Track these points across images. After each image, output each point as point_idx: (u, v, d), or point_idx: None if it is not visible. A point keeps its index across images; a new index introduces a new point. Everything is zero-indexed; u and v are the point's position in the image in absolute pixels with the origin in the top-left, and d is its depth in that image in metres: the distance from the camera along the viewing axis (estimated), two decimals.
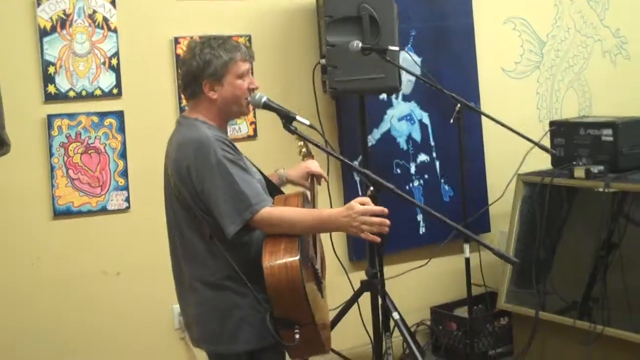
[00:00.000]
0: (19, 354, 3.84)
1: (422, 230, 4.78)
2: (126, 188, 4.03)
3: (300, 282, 2.60)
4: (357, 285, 4.19)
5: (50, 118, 3.86)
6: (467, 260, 4.00)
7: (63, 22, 3.88)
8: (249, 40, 4.22)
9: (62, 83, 3.89)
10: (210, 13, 4.19)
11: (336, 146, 4.47)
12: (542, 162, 4.49)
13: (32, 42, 3.83)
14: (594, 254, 4.27)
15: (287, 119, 2.79)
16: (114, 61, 3.99)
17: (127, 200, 4.03)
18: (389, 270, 4.36)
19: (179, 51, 4.08)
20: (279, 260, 2.62)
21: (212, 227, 2.71)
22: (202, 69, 2.77)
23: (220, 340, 2.77)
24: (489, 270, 4.58)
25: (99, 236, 4.00)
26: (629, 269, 4.08)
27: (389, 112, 4.69)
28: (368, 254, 4.19)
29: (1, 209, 3.83)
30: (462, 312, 4.69)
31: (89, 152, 3.95)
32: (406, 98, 4.74)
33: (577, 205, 4.56)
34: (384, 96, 4.63)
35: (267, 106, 2.82)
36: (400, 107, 4.72)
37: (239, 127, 4.25)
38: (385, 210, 2.67)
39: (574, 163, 4.32)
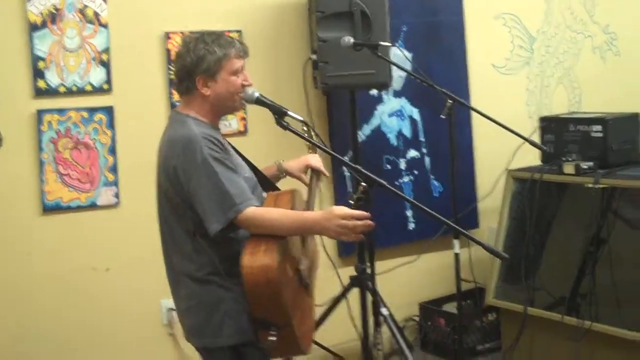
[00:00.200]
0: (6, 349, 3.83)
1: (411, 226, 4.79)
2: (116, 184, 4.02)
3: (278, 285, 2.60)
4: (346, 281, 4.20)
5: (40, 113, 3.85)
6: (457, 256, 4.01)
7: (53, 17, 3.86)
8: (240, 36, 4.22)
9: (52, 78, 3.87)
10: (201, 8, 4.18)
11: (327, 141, 4.47)
12: (531, 158, 4.51)
13: (22, 37, 3.81)
14: (582, 250, 4.29)
15: (280, 115, 2.80)
16: (105, 56, 3.97)
17: (117, 196, 4.02)
18: (377, 266, 4.36)
19: (170, 46, 4.07)
20: (258, 262, 2.61)
21: (196, 224, 2.72)
22: (196, 65, 2.77)
23: (205, 334, 2.79)
24: (479, 266, 4.59)
25: (88, 232, 3.99)
26: (618, 264, 4.09)
27: (380, 107, 4.69)
28: (358, 249, 4.20)
29: None
30: (451, 307, 4.71)
31: (79, 147, 3.93)
32: (397, 94, 4.74)
33: (566, 201, 4.58)
34: (374, 92, 4.63)
35: (259, 102, 2.83)
36: (390, 103, 4.73)
37: (230, 123, 4.25)
38: (367, 214, 2.68)
39: (564, 159, 4.33)
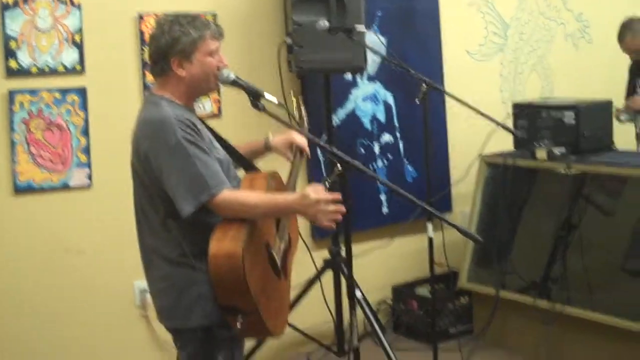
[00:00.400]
0: None
1: (385, 209, 4.81)
2: (88, 165, 3.99)
3: (242, 271, 2.59)
4: (319, 264, 4.21)
5: (11, 94, 3.80)
6: (430, 240, 4.03)
7: None
8: (215, 18, 4.19)
9: (24, 58, 3.83)
10: None
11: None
12: (505, 144, 4.53)
13: None
14: (554, 235, 4.34)
15: (255, 97, 2.79)
16: (77, 37, 3.94)
17: (89, 177, 4.00)
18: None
19: (144, 28, 4.04)
20: (223, 249, 2.61)
21: (169, 206, 2.71)
22: (171, 46, 2.75)
23: (176, 316, 2.78)
24: (452, 250, 4.60)
25: (61, 213, 3.96)
26: (588, 249, 4.14)
27: (354, 92, 4.69)
28: (333, 232, 4.20)
29: None
30: (424, 291, 4.74)
31: (51, 128, 3.90)
32: (371, 78, 4.75)
33: (538, 187, 4.62)
34: (349, 76, 4.63)
35: (235, 83, 2.81)
36: (365, 87, 4.73)
37: (203, 106, 4.23)
38: (339, 196, 2.68)
39: (536, 145, 4.36)
